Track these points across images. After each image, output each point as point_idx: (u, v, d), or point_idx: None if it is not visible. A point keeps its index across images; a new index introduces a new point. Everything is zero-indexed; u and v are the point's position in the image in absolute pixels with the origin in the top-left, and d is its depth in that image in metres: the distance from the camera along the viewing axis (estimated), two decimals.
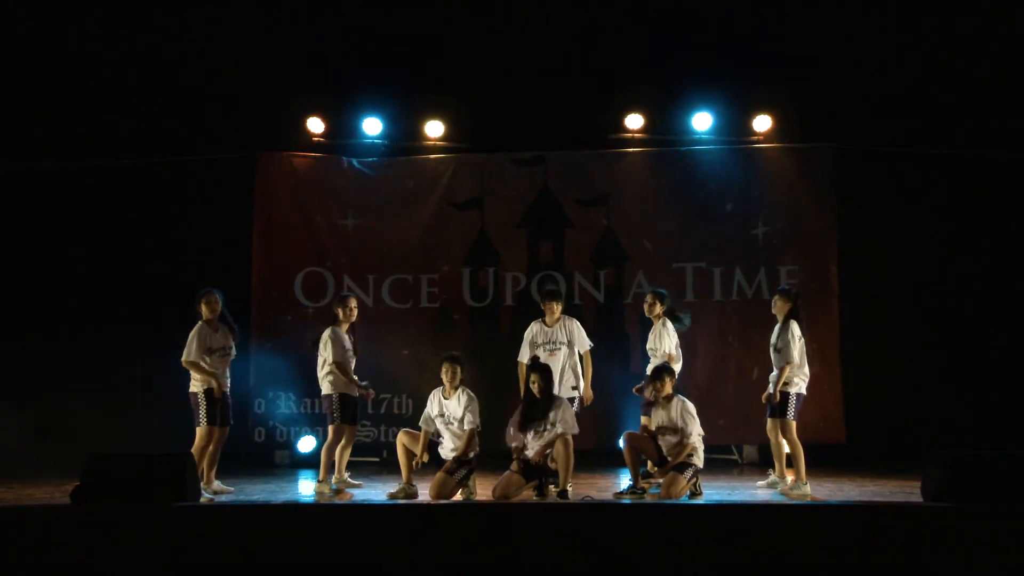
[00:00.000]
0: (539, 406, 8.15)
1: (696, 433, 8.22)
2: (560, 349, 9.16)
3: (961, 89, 11.26)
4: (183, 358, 8.66)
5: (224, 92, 11.63)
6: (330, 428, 8.98)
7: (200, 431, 8.62)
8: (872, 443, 10.87)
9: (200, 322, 8.78)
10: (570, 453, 8.01)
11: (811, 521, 6.63)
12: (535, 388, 8.16)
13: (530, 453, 8.13)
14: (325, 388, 9.04)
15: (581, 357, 9.33)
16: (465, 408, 8.22)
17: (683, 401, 8.32)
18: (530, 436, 8.16)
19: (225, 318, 8.96)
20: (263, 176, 11.96)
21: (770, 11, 11.32)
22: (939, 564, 6.26)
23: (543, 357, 8.99)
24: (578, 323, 9.30)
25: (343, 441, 9.00)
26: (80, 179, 11.71)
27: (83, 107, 11.72)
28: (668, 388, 8.30)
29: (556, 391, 8.75)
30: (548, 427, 8.08)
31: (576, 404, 9.10)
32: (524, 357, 9.16)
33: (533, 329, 9.37)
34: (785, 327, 8.67)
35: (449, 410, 8.28)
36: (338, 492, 8.93)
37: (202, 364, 8.63)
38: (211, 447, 8.66)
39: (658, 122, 11.91)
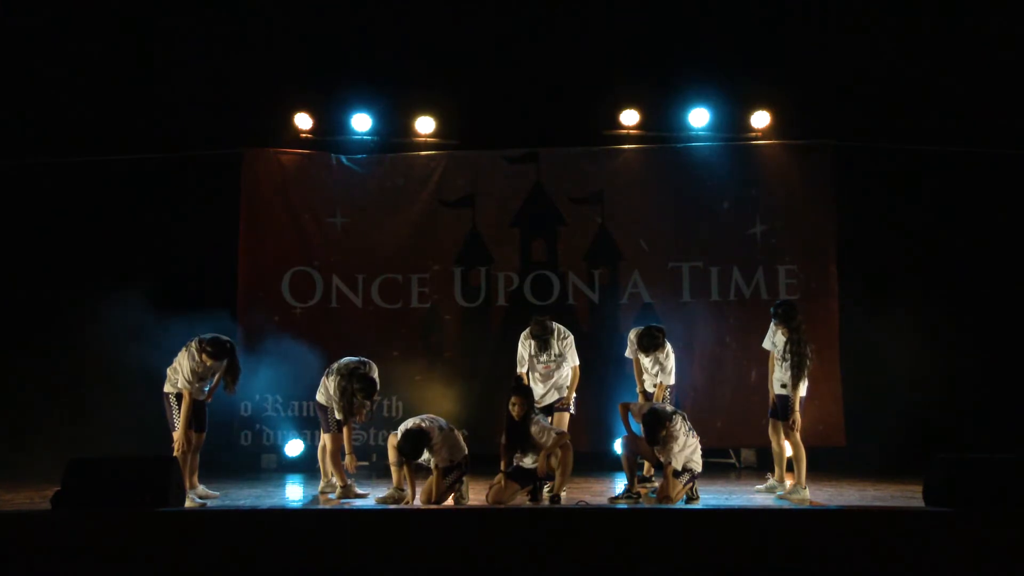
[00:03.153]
0: (519, 430, 7.95)
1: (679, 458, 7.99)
2: (553, 362, 8.95)
3: (963, 85, 11.17)
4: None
5: (210, 87, 11.50)
6: (329, 436, 8.71)
7: (176, 435, 8.41)
8: (872, 446, 10.74)
9: (192, 349, 8.44)
10: (571, 458, 7.90)
11: (811, 526, 6.58)
12: (515, 411, 7.96)
13: (527, 462, 7.97)
14: (321, 398, 8.79)
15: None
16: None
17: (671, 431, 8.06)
18: (518, 454, 8.02)
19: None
20: (249, 173, 11.82)
21: (768, 5, 11.21)
22: (941, 569, 6.22)
23: (539, 371, 8.88)
24: (572, 338, 9.08)
25: (332, 446, 8.77)
26: (62, 176, 11.57)
27: (67, 103, 11.55)
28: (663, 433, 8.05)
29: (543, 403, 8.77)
30: (533, 447, 7.91)
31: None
32: (522, 367, 8.99)
33: (528, 343, 9.03)
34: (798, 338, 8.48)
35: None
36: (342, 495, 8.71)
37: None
38: (189, 452, 8.44)
39: (654, 118, 11.79)
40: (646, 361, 9.27)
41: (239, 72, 11.44)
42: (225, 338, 8.52)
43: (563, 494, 7.93)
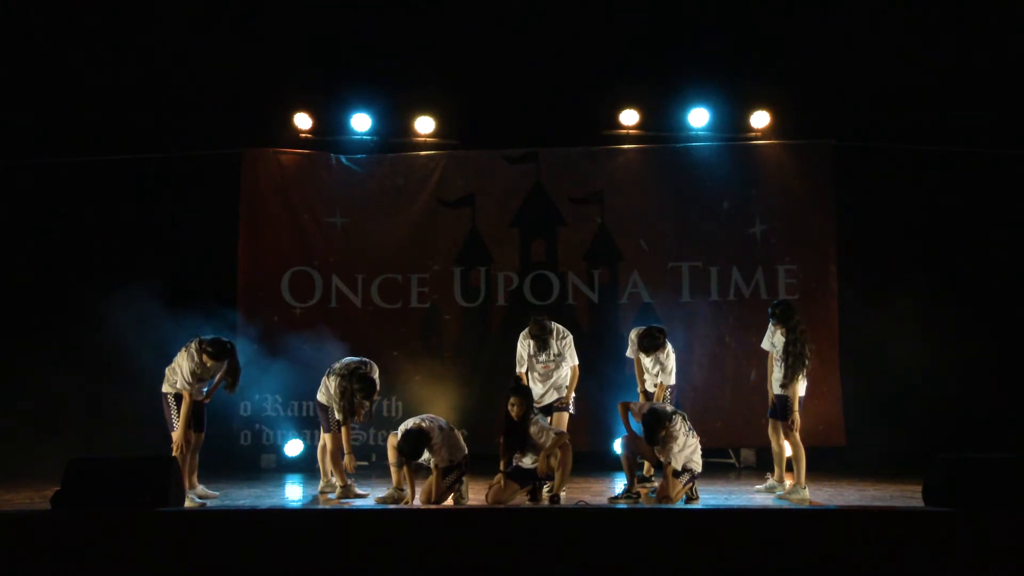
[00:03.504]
0: (519, 430, 7.94)
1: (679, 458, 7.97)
2: (552, 362, 8.94)
3: (963, 85, 11.13)
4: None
5: (210, 87, 11.45)
6: (329, 436, 8.68)
7: (175, 436, 8.38)
8: (872, 446, 10.72)
9: (192, 350, 8.38)
10: (570, 458, 7.89)
11: (810, 526, 6.57)
12: (514, 411, 7.94)
13: (527, 462, 7.96)
14: (322, 398, 8.76)
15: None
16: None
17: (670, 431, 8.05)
18: (517, 455, 8.00)
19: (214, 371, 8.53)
20: (249, 173, 11.81)
21: (767, 5, 11.19)
22: (941, 569, 6.21)
23: (538, 370, 8.87)
24: (571, 337, 9.07)
25: (332, 446, 8.77)
26: (63, 175, 11.55)
27: (66, 103, 11.53)
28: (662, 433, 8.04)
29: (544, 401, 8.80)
30: (533, 448, 7.90)
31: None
32: (522, 367, 8.99)
33: (527, 342, 9.00)
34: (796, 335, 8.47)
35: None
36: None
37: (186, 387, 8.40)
38: (188, 452, 8.42)
39: (653, 118, 11.78)
40: (647, 361, 9.26)
41: (239, 72, 11.39)
42: (225, 339, 8.51)
43: (563, 494, 7.92)
